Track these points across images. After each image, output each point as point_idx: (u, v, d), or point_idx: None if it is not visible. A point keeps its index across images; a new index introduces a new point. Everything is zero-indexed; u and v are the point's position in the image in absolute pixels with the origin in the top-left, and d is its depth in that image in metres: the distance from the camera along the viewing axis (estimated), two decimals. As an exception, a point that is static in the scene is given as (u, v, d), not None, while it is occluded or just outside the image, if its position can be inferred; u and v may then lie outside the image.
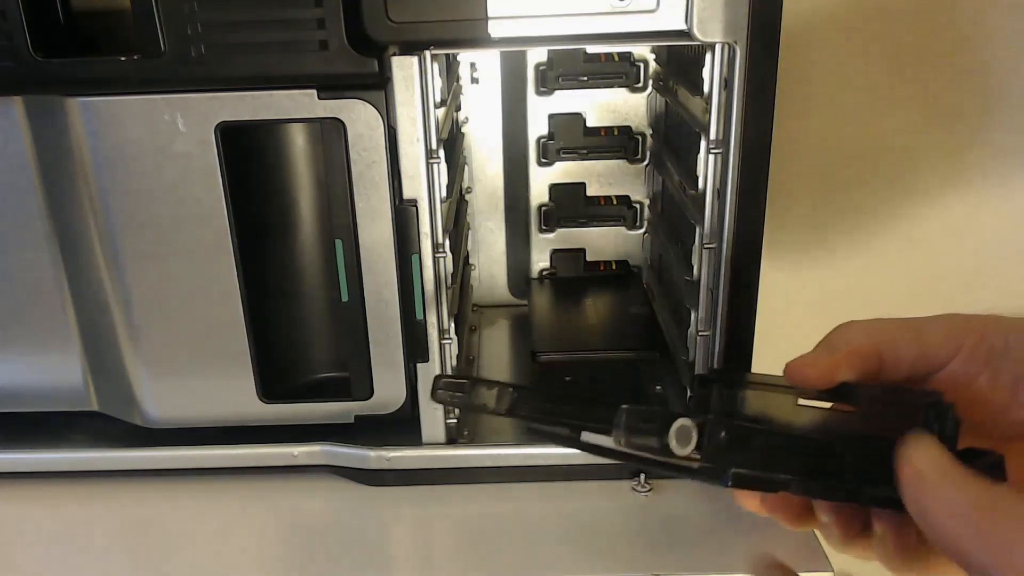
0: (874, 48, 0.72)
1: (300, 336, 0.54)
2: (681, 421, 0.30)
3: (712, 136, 0.45)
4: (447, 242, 0.48)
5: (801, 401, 0.36)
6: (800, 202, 0.79)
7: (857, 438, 0.34)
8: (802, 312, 0.83)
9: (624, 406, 0.33)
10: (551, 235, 0.71)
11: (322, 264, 0.51)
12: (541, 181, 0.70)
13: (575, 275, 0.72)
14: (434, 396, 0.35)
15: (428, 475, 0.51)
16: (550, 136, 0.68)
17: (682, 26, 0.42)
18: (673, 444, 0.30)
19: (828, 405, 0.36)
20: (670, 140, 0.62)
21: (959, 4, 0.71)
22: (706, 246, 0.47)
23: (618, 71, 0.66)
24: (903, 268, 0.82)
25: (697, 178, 0.49)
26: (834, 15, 0.72)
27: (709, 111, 0.45)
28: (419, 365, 0.50)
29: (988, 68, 0.73)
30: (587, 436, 0.33)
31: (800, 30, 0.71)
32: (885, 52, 0.73)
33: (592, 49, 0.65)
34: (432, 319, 0.49)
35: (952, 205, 0.79)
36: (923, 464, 0.29)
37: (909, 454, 0.30)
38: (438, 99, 0.46)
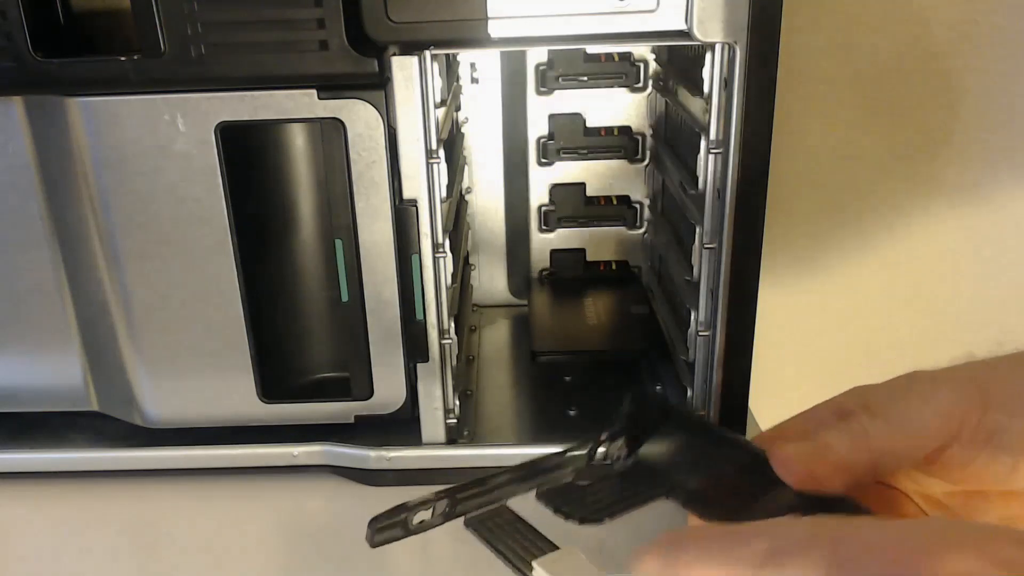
0: (874, 59, 0.73)
1: (300, 336, 0.54)
2: None
3: (712, 136, 0.45)
4: (447, 242, 0.48)
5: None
6: (797, 216, 0.79)
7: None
8: (802, 320, 0.83)
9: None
10: (551, 235, 0.71)
11: (322, 264, 0.51)
12: (541, 181, 0.70)
13: (575, 275, 0.72)
14: (371, 542, 0.35)
15: (428, 475, 0.51)
16: (550, 136, 0.68)
17: (682, 26, 0.42)
18: None
19: None
20: (670, 140, 0.62)
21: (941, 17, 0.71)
22: (706, 246, 0.47)
23: (618, 71, 0.66)
24: (902, 279, 0.82)
25: (697, 178, 0.48)
26: (834, 28, 0.72)
27: (709, 111, 0.45)
28: (419, 365, 0.50)
29: (983, 72, 0.73)
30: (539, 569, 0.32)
31: (796, 38, 0.71)
32: (884, 61, 0.73)
33: (592, 49, 0.65)
34: (432, 319, 0.49)
35: (948, 215, 0.79)
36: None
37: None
38: (438, 99, 0.46)
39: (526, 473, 0.36)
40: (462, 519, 0.35)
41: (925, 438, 0.32)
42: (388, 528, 0.35)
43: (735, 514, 0.34)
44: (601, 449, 0.37)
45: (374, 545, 0.35)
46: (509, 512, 0.35)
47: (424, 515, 0.35)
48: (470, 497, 0.35)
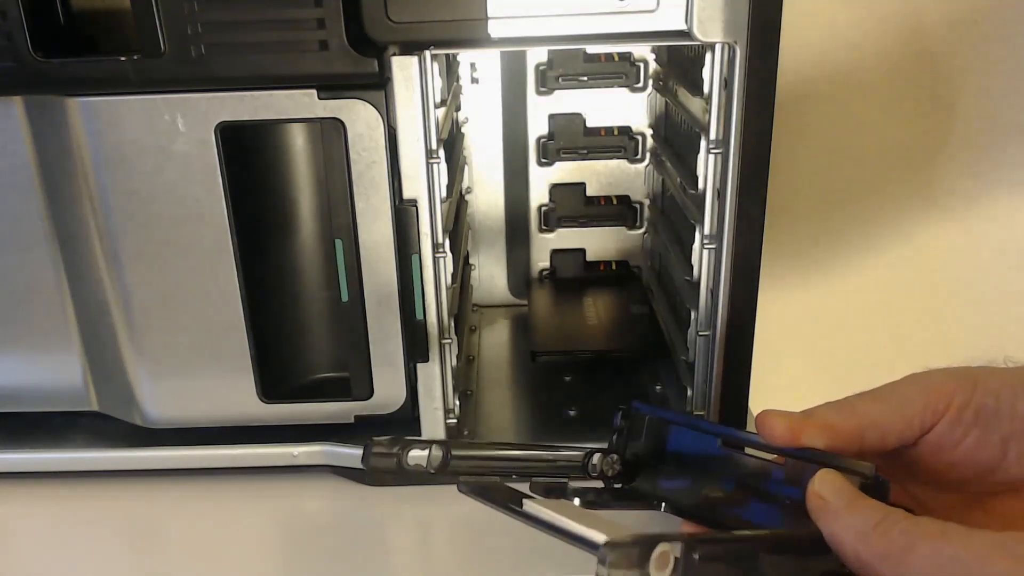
0: (873, 59, 0.73)
1: (300, 336, 0.54)
2: (661, 547, 0.27)
3: (712, 136, 0.45)
4: (447, 242, 0.48)
5: (748, 451, 0.37)
6: (797, 216, 0.79)
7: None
8: (802, 320, 0.83)
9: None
10: (551, 235, 0.71)
11: (322, 264, 0.51)
12: (541, 181, 0.70)
13: (575, 275, 0.72)
14: (365, 462, 0.36)
15: (428, 475, 0.51)
16: (550, 136, 0.68)
17: (682, 26, 0.42)
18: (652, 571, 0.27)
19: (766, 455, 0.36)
20: (670, 140, 0.62)
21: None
22: (706, 246, 0.47)
23: (618, 71, 0.66)
24: (902, 280, 0.82)
25: (697, 178, 0.48)
26: (834, 29, 0.72)
27: (709, 111, 0.45)
28: (419, 365, 0.50)
29: (983, 74, 0.73)
30: (529, 507, 0.32)
31: (799, 41, 0.71)
32: (883, 62, 0.73)
33: (592, 49, 0.65)
34: (432, 319, 0.49)
35: (948, 215, 0.79)
36: (829, 493, 0.31)
37: (817, 487, 0.32)
38: (438, 99, 0.46)
39: (525, 463, 0.37)
40: (455, 485, 0.36)
41: (910, 410, 0.34)
42: (384, 456, 0.35)
43: (722, 525, 0.35)
44: (594, 462, 0.38)
45: (368, 466, 0.35)
46: (504, 487, 0.35)
47: (420, 456, 0.35)
48: (466, 458, 0.36)
